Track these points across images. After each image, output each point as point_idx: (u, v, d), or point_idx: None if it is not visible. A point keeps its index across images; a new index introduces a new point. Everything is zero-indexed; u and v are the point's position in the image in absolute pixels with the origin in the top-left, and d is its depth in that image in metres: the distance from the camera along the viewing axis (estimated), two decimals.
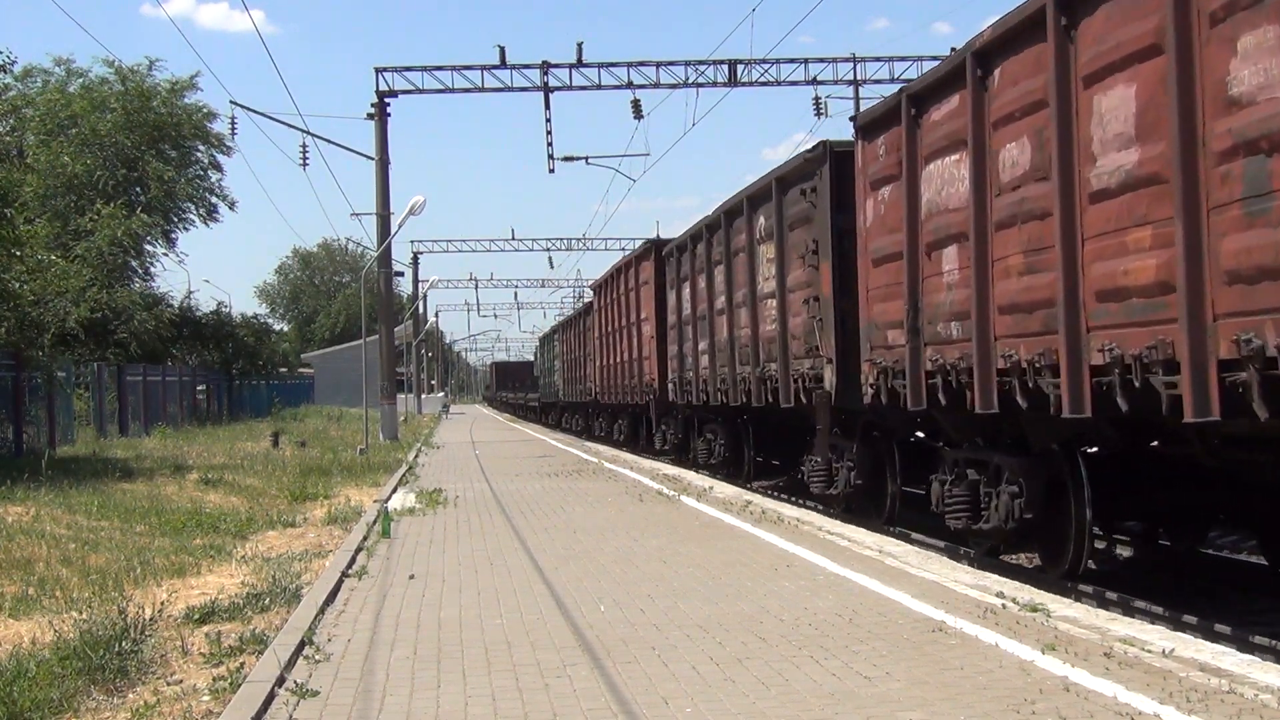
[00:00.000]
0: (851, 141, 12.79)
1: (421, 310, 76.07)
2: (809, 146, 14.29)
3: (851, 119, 12.81)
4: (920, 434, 13.35)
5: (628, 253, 28.14)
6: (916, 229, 10.87)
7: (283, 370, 70.57)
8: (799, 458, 17.69)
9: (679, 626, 7.59)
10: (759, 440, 19.16)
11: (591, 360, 34.02)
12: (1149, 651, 6.55)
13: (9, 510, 14.20)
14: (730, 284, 17.51)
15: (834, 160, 13.31)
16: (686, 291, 20.89)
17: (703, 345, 19.47)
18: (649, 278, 24.60)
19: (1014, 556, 11.78)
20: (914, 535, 12.97)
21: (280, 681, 6.35)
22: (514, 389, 76.64)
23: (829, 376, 13.30)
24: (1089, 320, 8.18)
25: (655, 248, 24.34)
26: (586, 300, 39.86)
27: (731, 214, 17.52)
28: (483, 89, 34.24)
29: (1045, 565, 10.52)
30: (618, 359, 28.75)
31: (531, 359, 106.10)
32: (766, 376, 15.63)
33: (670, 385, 22.64)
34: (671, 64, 34.33)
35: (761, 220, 15.86)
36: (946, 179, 10.26)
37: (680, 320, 21.56)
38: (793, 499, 16.95)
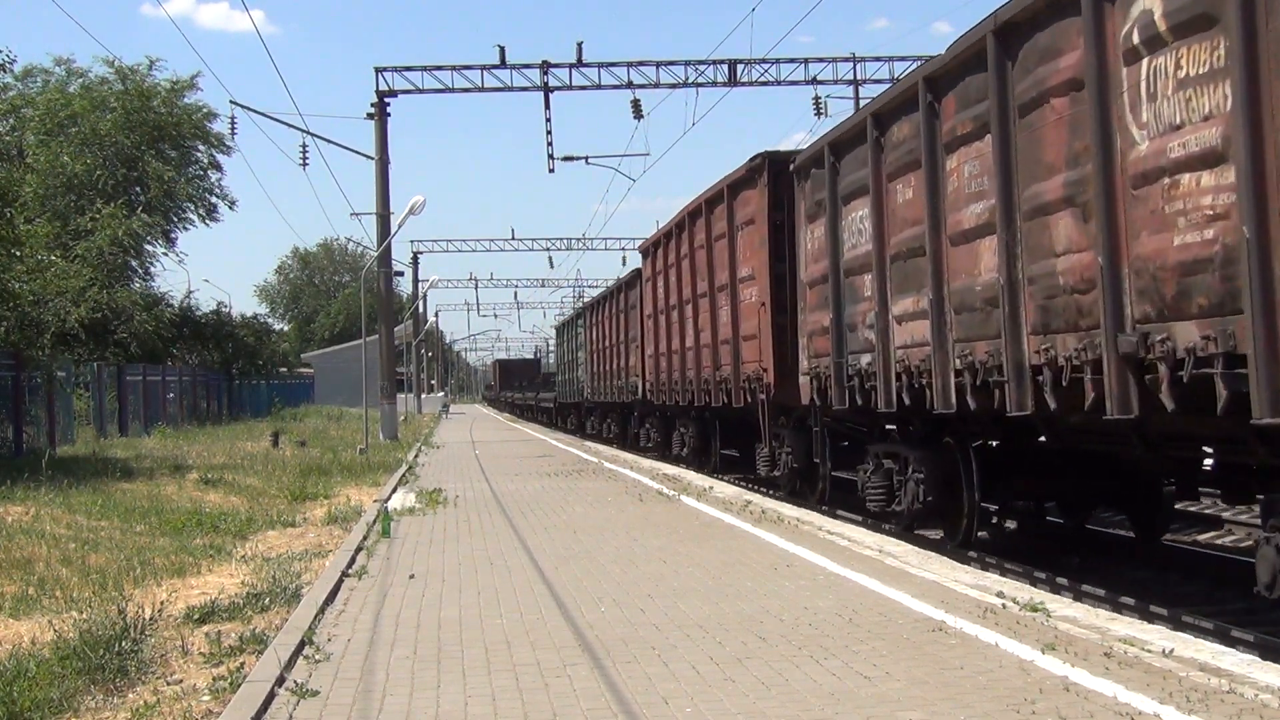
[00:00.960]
0: None
1: (421, 310, 76.19)
2: None
3: None
4: None
5: (713, 184, 18.89)
6: None
7: (283, 370, 70.58)
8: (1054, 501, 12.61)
9: (679, 626, 7.59)
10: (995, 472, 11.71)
11: (637, 348, 26.69)
12: (1149, 651, 6.55)
13: (9, 510, 14.19)
14: (1035, 160, 8.76)
15: None
16: (859, 215, 12.43)
17: (905, 306, 11.29)
18: (755, 214, 16.63)
19: None
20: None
21: (280, 681, 6.35)
22: (520, 388, 71.46)
23: None
24: None
25: (768, 163, 16.23)
26: (624, 274, 30.71)
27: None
28: (483, 89, 34.27)
29: None
30: (684, 343, 21.09)
31: (532, 356, 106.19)
32: None
33: (807, 379, 14.47)
34: (671, 64, 34.37)
35: None
36: None
37: (837, 270, 13.10)
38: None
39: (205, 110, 46.29)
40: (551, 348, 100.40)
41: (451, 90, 34.25)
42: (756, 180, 16.53)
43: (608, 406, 33.83)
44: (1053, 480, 11.75)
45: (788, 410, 16.19)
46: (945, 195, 10.39)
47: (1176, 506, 12.20)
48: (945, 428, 11.78)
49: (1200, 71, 7.05)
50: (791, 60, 35.49)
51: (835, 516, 14.12)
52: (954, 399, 10.25)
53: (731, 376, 17.86)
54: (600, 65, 34.19)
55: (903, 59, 34.62)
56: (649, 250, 24.99)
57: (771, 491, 17.16)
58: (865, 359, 12.39)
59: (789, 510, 14.10)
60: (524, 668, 6.63)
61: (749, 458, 19.24)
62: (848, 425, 14.63)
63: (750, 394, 17.06)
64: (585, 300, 50.23)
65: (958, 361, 10.13)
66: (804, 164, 14.53)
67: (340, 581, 9.53)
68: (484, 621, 7.93)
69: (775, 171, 15.99)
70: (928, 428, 12.07)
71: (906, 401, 11.31)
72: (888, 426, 13.37)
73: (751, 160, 16.67)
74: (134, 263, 42.80)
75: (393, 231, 33.68)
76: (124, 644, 7.20)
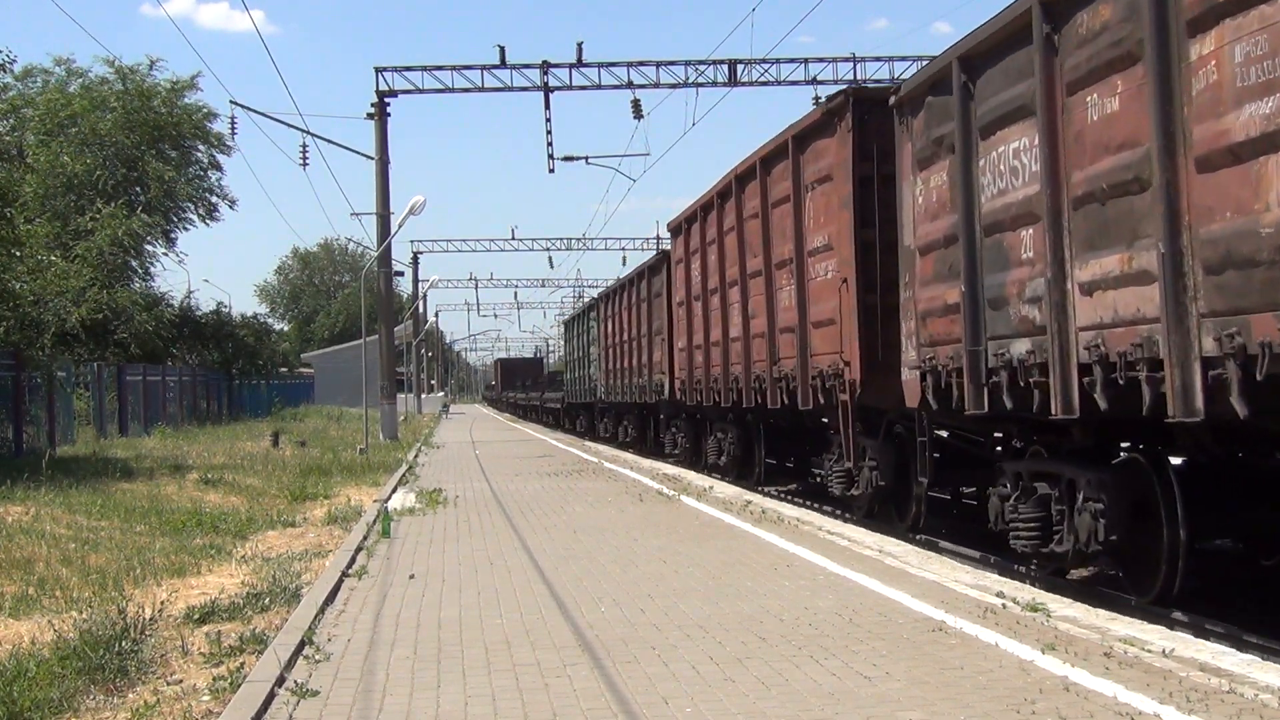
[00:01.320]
0: None
1: (421, 310, 76.19)
2: None
3: None
4: None
5: (770, 138, 15.50)
6: None
7: (283, 370, 70.59)
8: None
9: (679, 626, 7.59)
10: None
11: (663, 341, 23.61)
12: (1149, 651, 6.56)
13: (9, 510, 14.20)
14: None
15: None
16: (1012, 149, 9.17)
17: (1104, 267, 7.90)
18: (833, 168, 13.14)
19: None
20: None
21: (280, 681, 6.35)
22: (523, 388, 69.36)
23: None
24: None
25: (853, 103, 12.73)
26: (645, 261, 27.79)
27: None
28: (483, 89, 34.29)
29: None
30: (727, 333, 17.67)
31: (533, 355, 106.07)
32: None
33: (915, 374, 11.08)
34: (671, 64, 34.38)
35: None
36: None
37: (970, 227, 9.77)
38: None
39: (205, 110, 46.31)
40: (552, 347, 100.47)
41: (451, 90, 34.28)
42: (836, 125, 13.01)
43: (624, 408, 30.35)
44: (1274, 509, 8.76)
45: (869, 414, 13.15)
46: (1190, 98, 7.03)
47: None
48: (1119, 439, 9.02)
49: None
50: (791, 60, 35.61)
51: (940, 551, 11.33)
52: (1200, 402, 6.92)
53: (796, 372, 14.32)
54: (600, 65, 34.23)
55: (903, 59, 34.67)
56: (680, 227, 21.21)
57: (844, 513, 14.33)
58: (1022, 346, 8.96)
59: (789, 510, 14.09)
60: (524, 668, 6.63)
61: (800, 469, 16.89)
62: (963, 434, 11.83)
63: (824, 393, 13.54)
64: (587, 299, 49.81)
65: (1212, 345, 6.79)
66: (913, 94, 11.10)
67: (340, 581, 9.53)
68: (484, 621, 7.93)
69: (862, 113, 12.62)
70: (1093, 439, 9.15)
71: (1102, 404, 7.82)
72: (996, 434, 11.14)
73: (830, 100, 13.24)
74: (134, 263, 42.75)
75: (393, 231, 33.71)
76: (124, 644, 7.21)
